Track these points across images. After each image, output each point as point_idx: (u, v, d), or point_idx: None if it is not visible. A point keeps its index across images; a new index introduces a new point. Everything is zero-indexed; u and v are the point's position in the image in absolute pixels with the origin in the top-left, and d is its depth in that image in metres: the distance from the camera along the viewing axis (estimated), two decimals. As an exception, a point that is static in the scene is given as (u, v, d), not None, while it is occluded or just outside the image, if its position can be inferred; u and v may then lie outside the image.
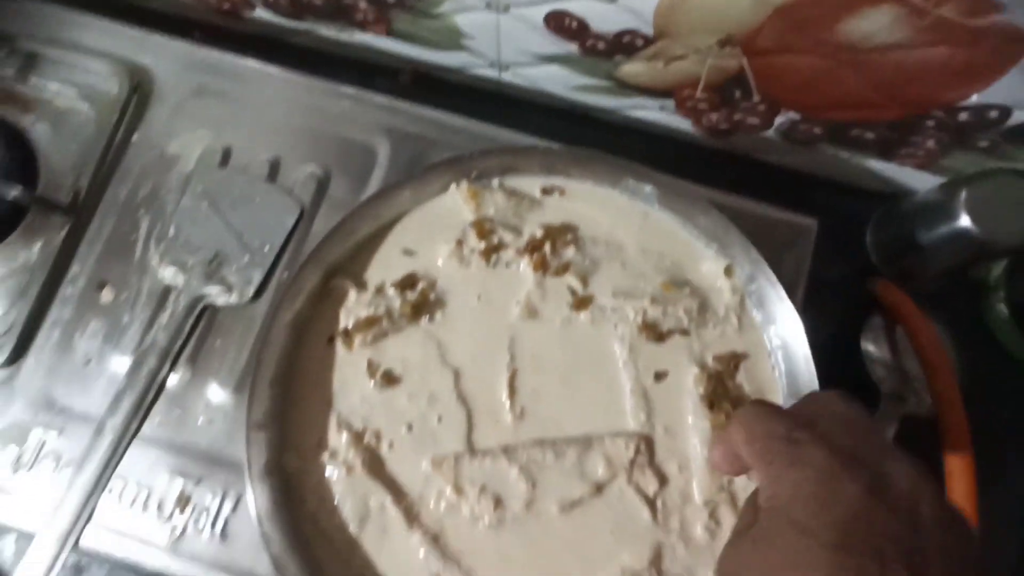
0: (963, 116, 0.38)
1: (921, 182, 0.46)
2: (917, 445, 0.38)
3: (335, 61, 0.49)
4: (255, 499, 0.31)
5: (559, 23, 0.40)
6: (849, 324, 0.44)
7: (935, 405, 0.39)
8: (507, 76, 0.48)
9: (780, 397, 0.34)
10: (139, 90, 0.41)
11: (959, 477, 0.37)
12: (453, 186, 0.36)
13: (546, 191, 0.37)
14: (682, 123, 0.48)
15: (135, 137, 0.41)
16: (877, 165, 0.46)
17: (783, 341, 0.34)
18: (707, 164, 0.49)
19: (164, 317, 0.37)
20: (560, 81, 0.47)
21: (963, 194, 0.39)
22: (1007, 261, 0.44)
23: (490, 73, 0.48)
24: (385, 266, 0.36)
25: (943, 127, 0.39)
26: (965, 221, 0.38)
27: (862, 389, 0.42)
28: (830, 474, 0.21)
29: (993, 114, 0.37)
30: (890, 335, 0.44)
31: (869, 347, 0.43)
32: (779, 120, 0.44)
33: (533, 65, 0.46)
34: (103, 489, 0.35)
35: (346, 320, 0.35)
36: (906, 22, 0.32)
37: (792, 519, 0.21)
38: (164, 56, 0.42)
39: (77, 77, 0.41)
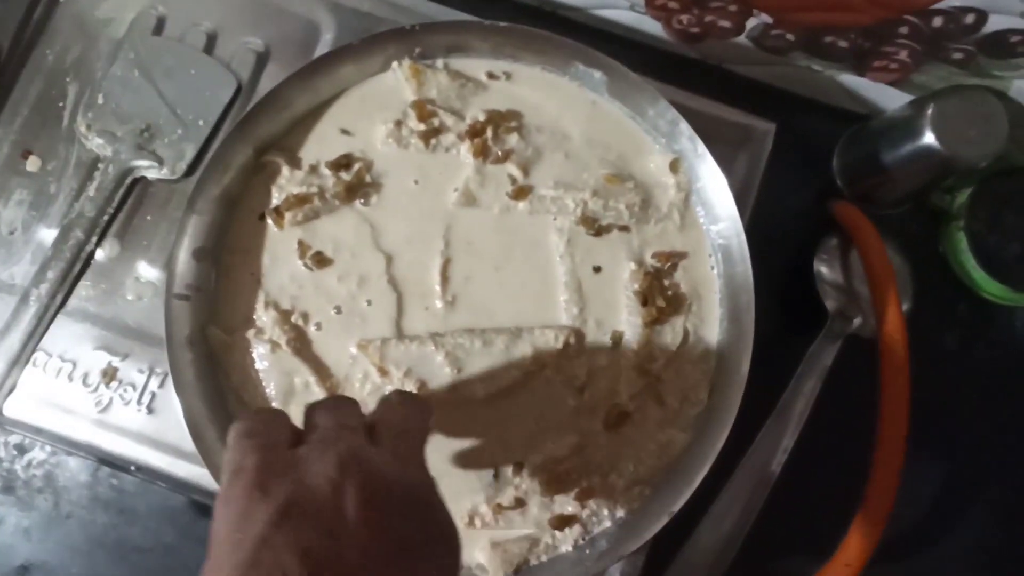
0: (937, 21, 0.36)
1: (893, 101, 0.44)
2: (859, 366, 0.39)
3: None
4: (174, 369, 0.31)
5: (523, -102, 0.38)
6: (806, 244, 0.44)
7: (877, 323, 0.39)
8: (472, -36, 0.45)
9: (717, 296, 0.33)
10: (68, -54, 0.38)
11: (894, 398, 0.37)
12: (395, 64, 0.34)
13: (492, 75, 0.35)
14: (653, 26, 0.45)
15: (63, -2, 0.38)
16: (851, 81, 0.44)
17: (726, 241, 0.33)
18: (678, 73, 0.47)
19: (92, 188, 0.36)
20: (526, -29, 0.44)
21: (929, 110, 0.37)
22: (970, 191, 0.43)
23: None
24: (321, 144, 0.34)
25: (917, 34, 0.37)
26: (930, 138, 0.37)
27: (811, 308, 0.42)
28: (246, 504, 0.20)
29: (969, 19, 0.35)
30: (844, 256, 0.43)
31: (822, 267, 0.43)
32: (751, 24, 0.41)
33: (498, -49, 0.43)
34: (27, 360, 0.35)
35: (278, 197, 0.33)
36: (882, -99, 0.30)
37: (216, 540, 0.20)
38: (96, -90, 0.39)
39: (0, -72, 0.38)
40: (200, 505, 0.38)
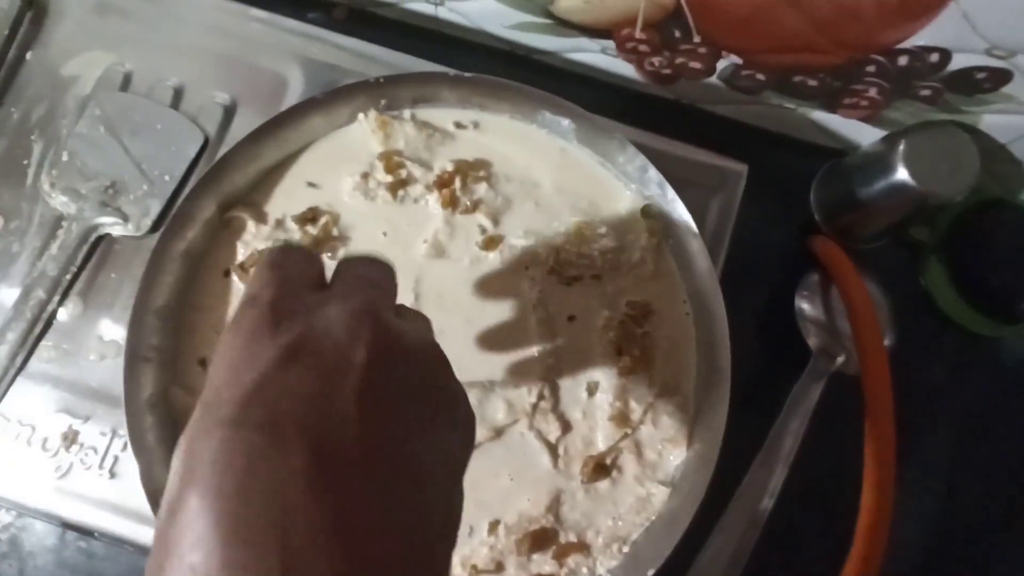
0: (903, 60, 0.36)
1: (867, 136, 0.44)
2: (846, 403, 0.38)
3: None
4: (133, 434, 0.30)
5: (489, -51, 0.38)
6: (788, 282, 0.43)
7: (860, 362, 0.38)
8: (443, 12, 0.46)
9: (692, 343, 0.33)
10: (34, 5, 0.38)
11: (879, 434, 0.36)
12: (361, 116, 0.34)
13: (460, 124, 0.35)
14: (626, 68, 0.45)
15: (29, 56, 0.38)
16: (823, 118, 0.44)
17: (697, 286, 0.33)
18: (653, 114, 0.47)
19: (55, 247, 0.35)
20: (497, 17, 0.44)
21: (901, 147, 0.37)
22: (947, 223, 0.43)
23: (426, 8, 0.46)
24: (287, 198, 0.34)
25: (884, 73, 0.37)
26: (903, 174, 0.37)
27: (794, 346, 0.41)
28: (252, 336, 0.18)
29: (933, 57, 0.35)
30: (825, 293, 0.43)
31: (803, 304, 0.42)
32: (721, 65, 0.42)
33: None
34: (-15, 424, 0.34)
35: (243, 253, 0.33)
36: (839, -50, 0.30)
37: (204, 398, 0.18)
38: (64, -31, 0.39)
39: (-35, -11, 0.38)
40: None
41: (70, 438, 0.33)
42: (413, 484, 0.18)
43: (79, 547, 0.38)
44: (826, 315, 0.42)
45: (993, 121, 0.39)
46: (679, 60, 0.43)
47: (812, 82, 0.41)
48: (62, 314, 0.35)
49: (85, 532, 0.34)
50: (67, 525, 0.34)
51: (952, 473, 0.42)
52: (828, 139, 0.46)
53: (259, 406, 0.17)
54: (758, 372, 0.41)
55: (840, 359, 0.40)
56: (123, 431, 0.34)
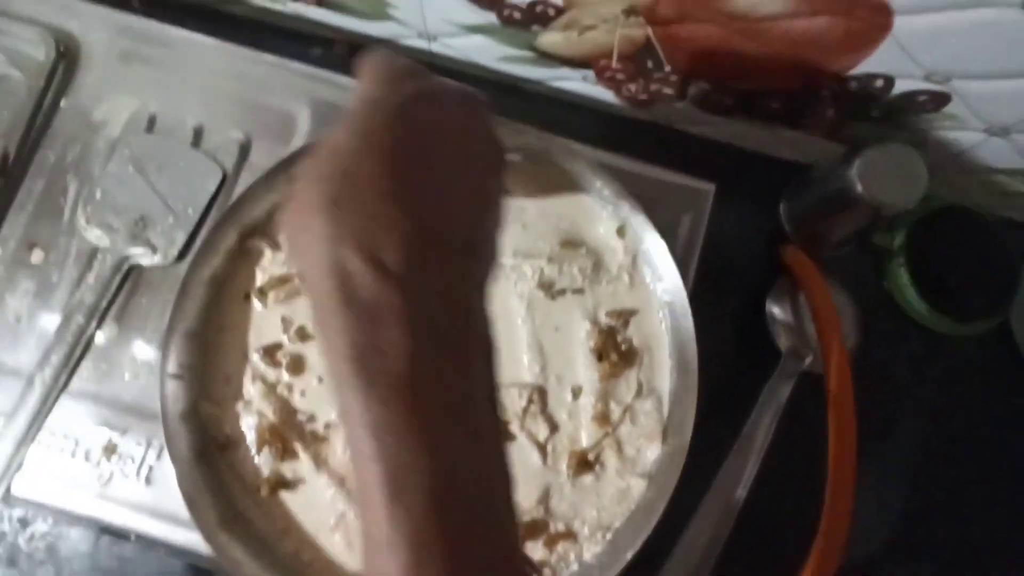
0: (853, 85, 0.39)
1: (830, 151, 0.48)
2: (817, 401, 0.41)
3: (273, 30, 0.50)
4: (170, 444, 0.33)
5: (475, -7, 0.42)
6: (760, 287, 0.47)
7: (823, 363, 0.42)
8: (436, 47, 0.49)
9: (666, 349, 0.36)
10: (66, 56, 0.42)
11: (841, 432, 0.39)
12: (364, 151, 0.38)
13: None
14: (606, 94, 0.49)
15: (63, 103, 0.42)
16: (789, 135, 0.48)
17: (670, 297, 0.36)
18: (633, 135, 0.51)
19: (91, 277, 0.39)
20: (486, 52, 0.48)
21: (856, 162, 0.41)
22: (908, 228, 0.47)
23: (420, 44, 0.50)
24: (299, 227, 0.37)
25: (837, 96, 0.41)
26: (858, 187, 0.41)
27: (766, 347, 0.44)
28: (407, 71, 0.23)
29: (879, 83, 0.39)
30: (794, 298, 0.46)
31: (774, 309, 0.46)
32: (692, 90, 0.45)
33: (459, 35, 0.47)
34: (32, 439, 0.37)
35: (262, 278, 0.37)
36: (785, -7, 0.34)
37: (369, 97, 0.22)
38: (91, 22, 0.43)
39: (6, 43, 0.42)
40: (197, 569, 0.40)
41: (110, 449, 0.37)
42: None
43: (112, 551, 0.41)
44: (795, 318, 0.46)
45: (941, 136, 0.42)
46: (653, 86, 0.46)
47: (775, 104, 0.44)
48: (99, 337, 0.39)
49: (123, 535, 0.38)
50: (107, 529, 0.38)
51: (915, 461, 0.45)
52: (796, 153, 0.49)
53: (413, 109, 0.22)
54: (733, 371, 0.45)
55: (808, 359, 0.44)
56: (157, 441, 0.37)
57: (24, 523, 0.41)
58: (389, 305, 0.19)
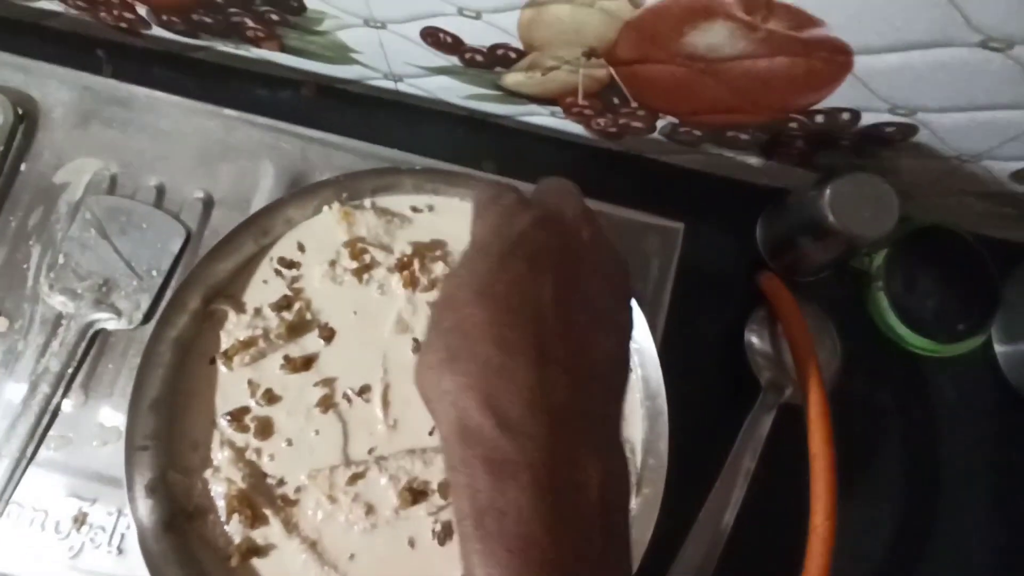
0: (819, 119, 0.39)
1: (804, 177, 0.47)
2: (798, 432, 0.41)
3: (240, 75, 0.50)
4: (137, 517, 0.33)
5: (435, 38, 0.41)
6: (739, 316, 0.46)
7: (803, 394, 0.41)
8: (403, 87, 0.49)
9: (638, 396, 0.36)
10: (25, 119, 0.42)
11: (820, 460, 0.39)
12: (326, 207, 0.37)
13: (416, 208, 0.38)
14: (575, 127, 0.49)
15: (23, 167, 0.41)
16: (762, 163, 0.47)
17: (638, 346, 0.36)
18: (606, 166, 0.50)
19: (56, 344, 0.38)
20: (453, 91, 0.48)
21: (827, 192, 0.41)
22: (885, 252, 0.46)
23: (387, 84, 0.49)
24: (263, 288, 0.37)
25: (805, 129, 0.41)
26: (830, 218, 0.40)
27: (746, 378, 0.44)
28: (511, 211, 0.24)
29: (845, 116, 0.38)
30: (772, 327, 0.46)
31: (752, 339, 0.45)
32: (661, 123, 0.45)
33: (424, 76, 0.47)
34: (1, 513, 0.37)
35: (226, 342, 0.36)
36: (742, 35, 0.33)
37: (478, 243, 0.24)
38: (49, 84, 0.42)
39: (-37, 108, 0.42)
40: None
41: (80, 520, 0.37)
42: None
43: None
44: (773, 348, 0.45)
45: (913, 163, 0.42)
46: (622, 120, 0.46)
47: (744, 136, 0.44)
48: (66, 405, 0.38)
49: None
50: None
51: (901, 485, 0.45)
52: (770, 179, 0.49)
53: (520, 248, 0.23)
54: (714, 403, 0.44)
55: (788, 391, 0.43)
56: (127, 510, 0.37)
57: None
58: (510, 463, 0.19)
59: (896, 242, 0.46)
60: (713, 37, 0.34)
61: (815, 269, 0.47)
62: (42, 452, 0.38)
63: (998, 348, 0.47)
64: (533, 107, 0.47)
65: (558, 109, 0.47)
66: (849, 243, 0.42)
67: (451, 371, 0.20)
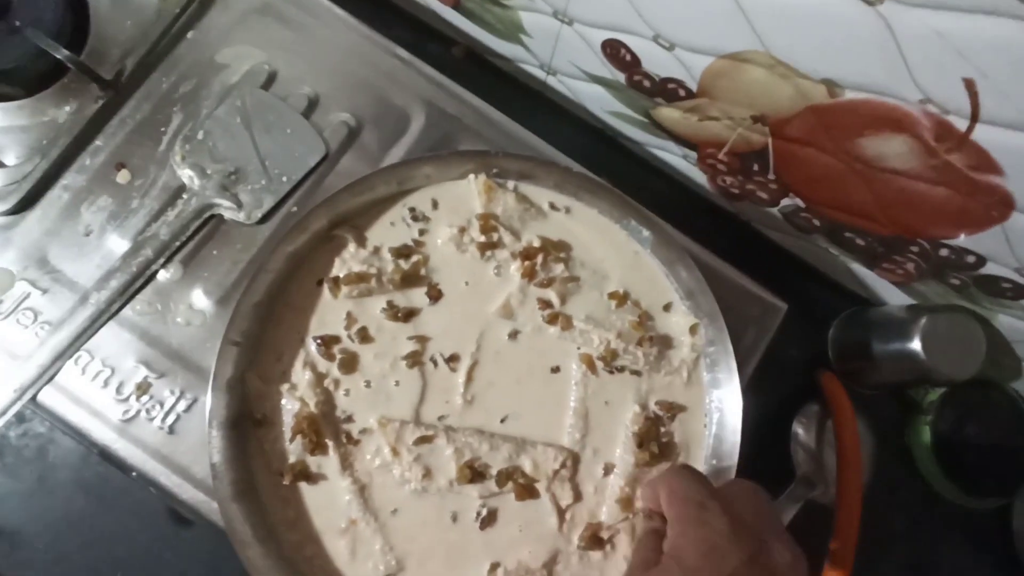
0: (944, 252, 0.40)
1: (892, 297, 0.49)
2: (812, 530, 0.42)
3: (399, 13, 0.50)
4: (211, 407, 0.34)
5: (615, 52, 0.42)
6: (790, 404, 0.48)
7: (837, 499, 0.43)
8: (552, 81, 0.50)
9: (703, 454, 0.37)
10: (206, -10, 0.42)
11: (839, 558, 0.41)
12: (471, 176, 0.38)
13: (554, 206, 0.39)
14: (698, 176, 0.50)
15: (190, 34, 0.42)
16: (859, 269, 0.49)
17: (721, 407, 0.37)
18: (710, 219, 0.51)
19: (172, 214, 0.39)
20: (600, 102, 0.48)
21: (922, 321, 0.42)
22: (943, 391, 0.48)
23: (538, 73, 0.50)
24: (388, 230, 0.38)
25: (924, 256, 0.42)
26: (917, 346, 0.42)
27: (781, 467, 0.45)
28: (725, 537, 0.27)
29: (970, 259, 0.39)
30: (820, 424, 0.47)
31: (799, 430, 0.47)
32: (785, 202, 0.46)
33: (579, 79, 0.47)
34: (71, 356, 0.37)
35: (339, 269, 0.37)
36: (918, 156, 0.35)
37: (685, 566, 0.27)
38: (238, -36, 0.43)
39: (149, -41, 0.42)
40: (178, 514, 0.40)
41: (143, 388, 0.37)
42: None
43: (97, 472, 0.41)
44: (817, 445, 0.47)
45: (1006, 320, 0.43)
46: (749, 186, 0.47)
47: (860, 241, 0.45)
48: (162, 275, 0.39)
49: (124, 468, 0.37)
50: (109, 458, 0.38)
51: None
52: (858, 287, 0.50)
53: None
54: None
55: (818, 490, 0.45)
56: (190, 394, 0.37)
57: (20, 419, 0.41)
58: None
59: (955, 385, 0.48)
60: (888, 148, 0.35)
61: (877, 385, 0.49)
62: (127, 311, 0.38)
63: (1017, 515, 0.49)
64: (670, 144, 0.48)
65: (692, 154, 0.48)
66: (926, 375, 0.43)
67: None
